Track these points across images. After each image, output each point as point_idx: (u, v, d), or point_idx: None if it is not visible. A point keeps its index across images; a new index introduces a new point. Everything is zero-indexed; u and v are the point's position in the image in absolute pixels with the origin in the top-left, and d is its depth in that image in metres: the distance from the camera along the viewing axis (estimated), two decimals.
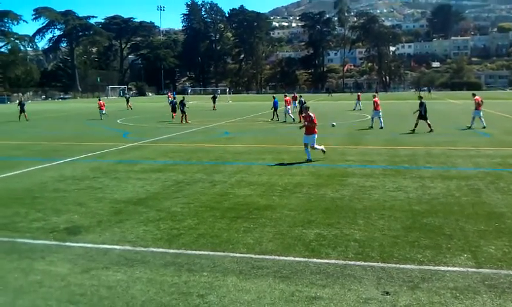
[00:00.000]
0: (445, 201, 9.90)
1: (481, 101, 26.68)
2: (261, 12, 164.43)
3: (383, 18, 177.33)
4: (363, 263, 6.55)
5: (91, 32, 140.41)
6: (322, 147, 15.88)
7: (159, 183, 12.31)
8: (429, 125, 24.01)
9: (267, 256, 6.86)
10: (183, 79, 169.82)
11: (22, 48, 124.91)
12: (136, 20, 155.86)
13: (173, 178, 12.97)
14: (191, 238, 7.75)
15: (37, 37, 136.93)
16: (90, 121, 37.87)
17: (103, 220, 8.94)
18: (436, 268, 6.35)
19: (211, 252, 7.08)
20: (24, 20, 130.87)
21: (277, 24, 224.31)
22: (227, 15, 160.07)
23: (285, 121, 32.09)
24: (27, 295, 5.80)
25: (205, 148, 19.65)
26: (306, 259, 6.73)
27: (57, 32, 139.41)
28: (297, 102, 43.97)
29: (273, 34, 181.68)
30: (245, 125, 31.30)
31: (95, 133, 27.66)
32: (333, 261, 6.65)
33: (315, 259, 6.70)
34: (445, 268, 6.34)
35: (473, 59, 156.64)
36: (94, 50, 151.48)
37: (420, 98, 24.93)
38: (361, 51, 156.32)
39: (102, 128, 30.35)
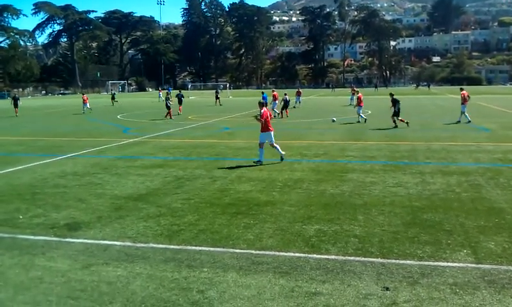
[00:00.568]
0: (445, 196, 9.90)
1: (467, 96, 27.08)
2: (261, 6, 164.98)
3: (383, 13, 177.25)
4: (363, 258, 6.57)
5: (91, 27, 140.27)
6: (281, 150, 14.62)
7: (159, 179, 12.32)
8: (399, 121, 24.07)
9: (267, 252, 6.88)
10: (183, 74, 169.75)
11: (21, 43, 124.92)
12: (135, 14, 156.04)
13: (174, 173, 12.98)
14: (191, 234, 7.76)
15: (37, 32, 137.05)
16: (91, 117, 37.85)
17: (103, 216, 8.96)
18: (436, 263, 6.36)
19: (211, 248, 7.09)
20: (23, 15, 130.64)
21: (277, 18, 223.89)
22: (227, 10, 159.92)
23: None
24: (28, 290, 5.82)
25: (205, 143, 19.66)
26: (306, 255, 6.74)
27: (57, 27, 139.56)
28: (299, 96, 44.02)
29: (273, 28, 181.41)
30: (245, 120, 31.27)
31: (96, 128, 27.66)
32: (333, 256, 6.66)
33: (315, 255, 6.71)
34: (445, 263, 6.35)
35: (474, 53, 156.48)
36: (94, 45, 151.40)
37: (392, 95, 25.21)
38: (362, 46, 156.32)
39: (103, 124, 30.36)
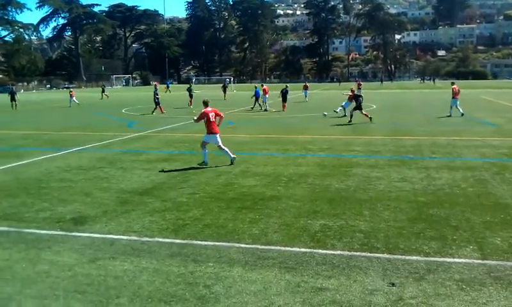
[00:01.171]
0: (450, 192, 9.88)
1: (458, 90, 27.49)
2: (265, 0, 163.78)
3: (388, 6, 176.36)
4: (368, 254, 6.56)
5: (95, 20, 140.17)
6: (231, 153, 13.39)
7: (164, 173, 12.34)
8: (364, 115, 24.03)
9: (273, 247, 6.88)
10: (187, 68, 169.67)
11: (26, 37, 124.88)
12: (139, 8, 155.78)
13: (178, 168, 12.99)
14: (197, 229, 7.78)
15: (41, 25, 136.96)
16: (96, 110, 37.90)
17: (109, 210, 8.98)
18: (442, 259, 6.35)
19: (217, 243, 7.11)
20: (28, 8, 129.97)
21: (281, 12, 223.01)
22: (231, 3, 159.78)
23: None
24: (35, 284, 5.85)
25: None
26: (312, 250, 6.74)
27: (62, 21, 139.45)
28: (306, 90, 44.05)
29: (278, 22, 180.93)
30: (249, 114, 31.26)
31: (101, 123, 27.70)
32: (338, 252, 6.66)
33: (320, 250, 6.71)
34: (451, 259, 6.34)
35: (479, 47, 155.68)
36: (98, 38, 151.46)
37: (352, 91, 25.53)
38: (366, 39, 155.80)
39: (107, 118, 30.39)
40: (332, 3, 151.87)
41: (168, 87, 71.36)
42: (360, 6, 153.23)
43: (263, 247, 6.91)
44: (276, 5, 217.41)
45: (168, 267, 6.28)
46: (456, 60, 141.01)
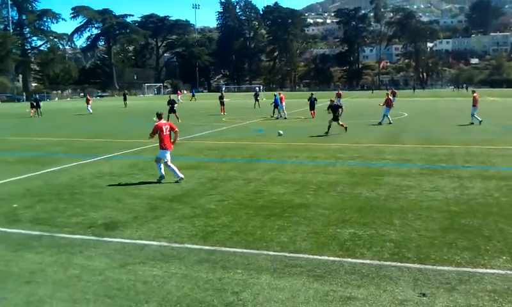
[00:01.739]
0: (483, 201, 9.65)
1: (478, 98, 28.02)
2: (295, 9, 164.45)
3: (420, 14, 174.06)
4: (399, 263, 6.46)
5: (128, 30, 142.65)
6: (179, 172, 12.25)
7: (193, 180, 12.43)
8: (340, 125, 23.32)
9: (301, 255, 6.85)
10: (217, 77, 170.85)
11: (60, 46, 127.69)
12: (171, 18, 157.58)
13: (208, 175, 13.08)
14: (225, 236, 7.80)
15: (75, 35, 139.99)
16: (129, 119, 38.52)
17: (139, 216, 9.10)
18: (474, 270, 6.20)
19: (245, 250, 7.11)
20: (62, 19, 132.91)
21: (312, 21, 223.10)
22: (261, 12, 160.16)
23: (285, 118, 33.21)
24: (66, 288, 5.96)
25: (239, 145, 19.74)
26: (341, 258, 6.68)
27: (95, 31, 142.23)
28: (339, 99, 44.01)
29: (308, 30, 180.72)
30: (279, 122, 31.25)
31: (132, 130, 28.15)
32: (368, 261, 6.58)
33: (349, 259, 6.64)
34: (484, 270, 6.18)
35: None
36: (131, 48, 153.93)
37: (332, 101, 24.97)
38: (398, 47, 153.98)
39: (139, 126, 30.84)
40: (363, 11, 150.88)
41: (193, 95, 73.09)
42: (391, 14, 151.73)
43: (291, 254, 6.87)
44: (306, 14, 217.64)
45: (197, 272, 6.31)
46: (490, 68, 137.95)
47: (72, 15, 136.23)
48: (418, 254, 6.79)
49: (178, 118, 32.09)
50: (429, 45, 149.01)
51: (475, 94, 27.96)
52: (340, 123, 23.38)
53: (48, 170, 14.46)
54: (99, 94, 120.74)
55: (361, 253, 6.87)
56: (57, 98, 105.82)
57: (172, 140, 12.59)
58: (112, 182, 12.42)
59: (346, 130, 23.10)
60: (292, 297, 5.53)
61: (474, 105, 27.47)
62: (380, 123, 27.15)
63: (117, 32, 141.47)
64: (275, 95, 35.84)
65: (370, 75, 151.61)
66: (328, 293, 5.60)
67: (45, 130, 29.46)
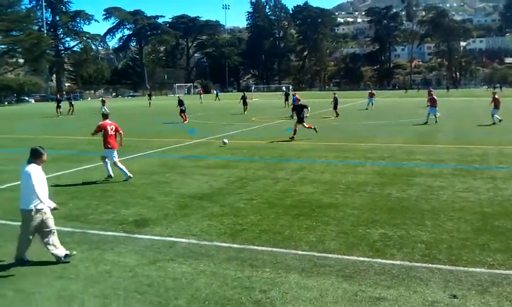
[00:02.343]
0: None
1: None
2: (325, 8, 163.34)
3: (452, 12, 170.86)
4: (430, 265, 6.35)
5: (159, 31, 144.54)
6: (128, 172, 12.48)
7: (222, 179, 12.50)
8: (307, 127, 21.59)
9: (330, 255, 6.80)
10: (247, 77, 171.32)
11: (93, 47, 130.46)
12: (201, 19, 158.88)
13: (237, 174, 13.13)
14: (254, 234, 7.81)
15: (108, 36, 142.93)
16: (158, 118, 38.99)
17: (169, 213, 9.21)
18: (507, 272, 6.05)
19: (273, 249, 7.11)
20: (95, 20, 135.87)
21: (342, 20, 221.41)
22: (291, 12, 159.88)
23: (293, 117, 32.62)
24: (97, 284, 6.08)
25: (267, 145, 19.75)
26: (370, 259, 6.61)
27: (127, 32, 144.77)
28: (372, 98, 43.63)
29: (338, 30, 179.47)
30: (308, 122, 31.07)
31: (162, 129, 28.48)
32: (398, 262, 6.49)
33: (379, 260, 6.57)
34: None
35: None
36: (162, 48, 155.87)
37: (298, 100, 23.01)
38: (430, 46, 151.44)
39: (169, 125, 31.19)
40: (394, 10, 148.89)
41: (217, 95, 74.05)
42: (424, 13, 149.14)
43: (320, 254, 6.84)
44: (337, 13, 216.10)
45: (225, 270, 6.34)
46: None
47: (105, 16, 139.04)
48: (450, 255, 6.66)
49: (184, 120, 32.44)
50: (462, 44, 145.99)
51: (496, 96, 27.64)
52: (306, 125, 21.63)
53: (81, 168, 14.77)
54: (131, 94, 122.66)
55: (391, 254, 6.79)
56: (89, 98, 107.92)
57: (119, 141, 12.85)
58: (143, 180, 12.59)
59: (316, 131, 21.62)
60: (320, 297, 5.51)
61: (496, 107, 26.97)
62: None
63: (148, 33, 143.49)
64: (294, 95, 35.74)
65: (401, 75, 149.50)
66: (357, 294, 5.55)
67: (77, 129, 30.04)
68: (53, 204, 6.86)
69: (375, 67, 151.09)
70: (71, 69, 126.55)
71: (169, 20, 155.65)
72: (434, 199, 9.84)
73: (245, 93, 45.65)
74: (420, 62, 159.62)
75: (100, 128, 12.60)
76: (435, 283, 5.79)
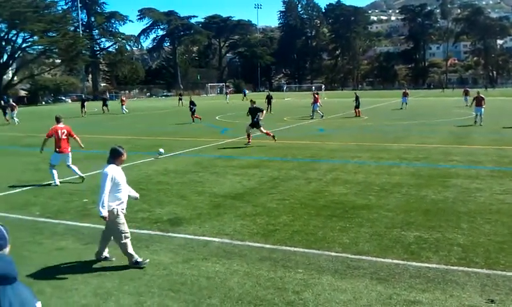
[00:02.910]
0: None
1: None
2: (359, 6, 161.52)
3: (489, 10, 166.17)
4: (466, 268, 6.23)
5: (192, 31, 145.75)
6: (79, 172, 12.67)
7: (255, 178, 12.54)
8: (265, 133, 20.23)
9: (364, 257, 6.75)
10: (278, 76, 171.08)
11: (128, 47, 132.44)
12: (234, 18, 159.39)
13: (269, 174, 13.15)
14: (286, 235, 7.82)
15: (142, 37, 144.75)
16: (186, 118, 39.40)
17: (203, 213, 9.30)
18: None
19: (306, 250, 7.10)
20: (129, 21, 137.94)
21: (375, 18, 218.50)
22: (323, 11, 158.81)
23: (322, 116, 33.00)
24: (132, 281, 6.20)
25: (299, 145, 19.70)
26: (405, 262, 6.52)
27: (161, 32, 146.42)
28: (406, 97, 43.11)
29: (371, 28, 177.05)
30: (340, 122, 30.90)
31: (195, 129, 28.73)
32: (434, 265, 6.38)
33: (414, 263, 6.47)
34: None
35: None
36: (194, 48, 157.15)
37: (252, 102, 21.29)
38: (466, 45, 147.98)
39: (202, 125, 31.45)
40: (429, 8, 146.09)
41: (244, 95, 74.74)
42: (459, 11, 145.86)
43: (353, 256, 6.79)
44: (370, 11, 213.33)
45: (258, 270, 6.37)
46: None
47: (139, 17, 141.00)
48: (487, 259, 6.52)
49: (193, 120, 32.90)
50: (499, 42, 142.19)
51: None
52: (264, 130, 20.31)
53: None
54: (164, 93, 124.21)
55: (426, 257, 6.68)
56: (124, 98, 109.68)
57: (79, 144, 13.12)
58: (177, 179, 12.75)
59: (274, 138, 19.90)
60: (354, 299, 5.47)
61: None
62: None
63: (181, 33, 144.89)
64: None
65: (436, 73, 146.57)
66: (392, 297, 5.49)
67: (111, 129, 30.64)
68: (106, 213, 6.54)
69: (409, 66, 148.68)
70: (106, 69, 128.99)
71: (202, 20, 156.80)
72: (471, 201, 9.63)
73: (270, 92, 46.22)
74: (456, 61, 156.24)
75: (51, 132, 12.57)
76: (472, 287, 5.67)
